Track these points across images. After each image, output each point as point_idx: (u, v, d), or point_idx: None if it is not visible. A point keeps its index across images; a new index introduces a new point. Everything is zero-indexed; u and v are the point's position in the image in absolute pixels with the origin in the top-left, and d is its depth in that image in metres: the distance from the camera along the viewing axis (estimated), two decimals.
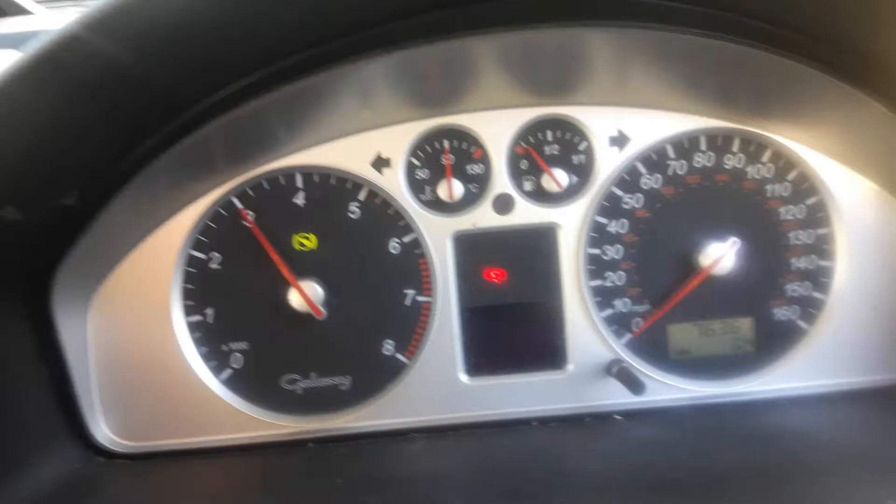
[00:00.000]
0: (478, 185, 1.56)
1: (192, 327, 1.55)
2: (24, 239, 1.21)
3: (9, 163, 1.03)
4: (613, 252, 1.58)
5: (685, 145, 1.56)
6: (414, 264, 1.57)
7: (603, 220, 1.57)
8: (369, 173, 1.53)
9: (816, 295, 1.58)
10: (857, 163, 1.51)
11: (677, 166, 1.56)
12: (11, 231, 1.13)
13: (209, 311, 1.55)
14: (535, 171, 1.56)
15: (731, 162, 1.56)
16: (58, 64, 0.93)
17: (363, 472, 1.35)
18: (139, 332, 1.51)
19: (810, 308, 1.58)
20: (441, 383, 1.55)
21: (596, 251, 1.58)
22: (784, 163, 1.55)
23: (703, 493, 1.11)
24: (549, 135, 1.56)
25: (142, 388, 1.52)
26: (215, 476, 1.39)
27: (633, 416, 1.53)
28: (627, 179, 1.56)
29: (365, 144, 1.53)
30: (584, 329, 1.57)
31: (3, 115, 0.96)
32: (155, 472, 1.43)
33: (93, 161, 1.18)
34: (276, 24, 1.03)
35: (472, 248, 1.57)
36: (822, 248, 1.57)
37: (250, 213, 1.54)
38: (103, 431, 1.50)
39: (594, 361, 1.56)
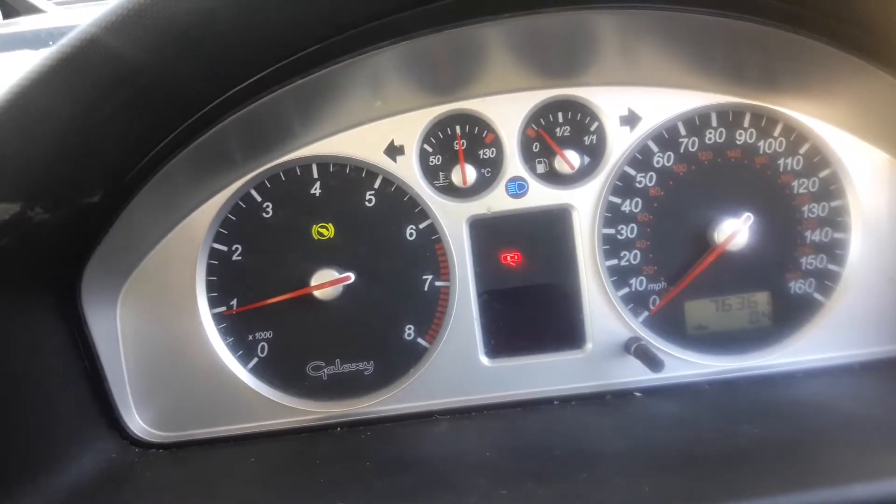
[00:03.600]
0: (491, 170, 1.58)
1: (218, 318, 1.58)
2: (52, 237, 1.24)
3: (33, 165, 1.05)
4: (628, 231, 1.59)
5: (696, 122, 1.56)
6: (431, 250, 1.59)
7: (616, 199, 1.58)
8: (383, 161, 1.55)
9: (832, 267, 1.58)
10: (868, 133, 1.51)
11: (689, 143, 1.57)
12: (40, 230, 1.15)
13: (233, 302, 1.59)
14: (548, 154, 1.57)
15: (742, 137, 1.56)
16: (76, 67, 0.95)
17: (390, 454, 1.38)
18: (167, 325, 1.55)
19: (826, 280, 1.59)
20: (462, 366, 1.58)
21: (610, 231, 1.59)
22: (796, 136, 1.55)
23: (723, 467, 1.13)
24: (560, 116, 1.57)
25: (172, 380, 1.56)
26: (247, 462, 1.42)
27: (653, 392, 1.55)
28: (640, 158, 1.57)
29: (378, 133, 1.55)
30: (602, 308, 1.58)
31: (25, 120, 0.97)
32: (189, 461, 1.47)
33: (114, 160, 1.21)
34: (288, 20, 1.05)
35: (487, 232, 1.59)
36: (836, 220, 1.57)
37: (269, 204, 1.57)
38: (137, 423, 1.54)
39: (613, 340, 1.58)
